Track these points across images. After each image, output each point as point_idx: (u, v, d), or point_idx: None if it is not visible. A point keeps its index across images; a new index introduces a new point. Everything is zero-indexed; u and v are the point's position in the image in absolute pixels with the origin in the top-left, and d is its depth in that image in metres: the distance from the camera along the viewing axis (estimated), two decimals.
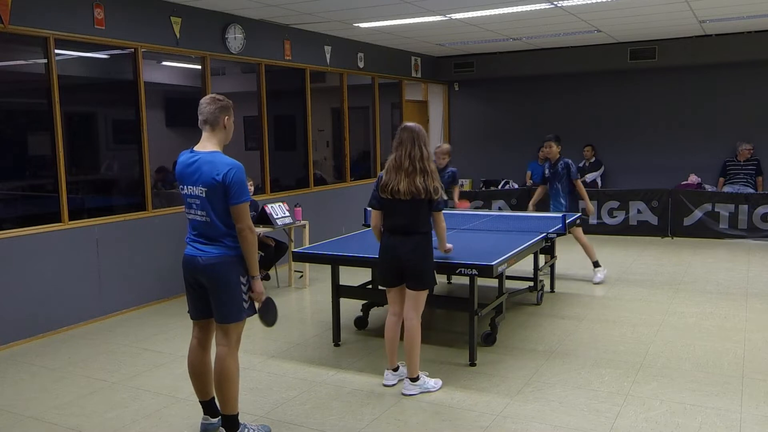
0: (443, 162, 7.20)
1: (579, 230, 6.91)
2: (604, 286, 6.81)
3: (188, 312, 3.55)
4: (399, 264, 4.07)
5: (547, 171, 7.10)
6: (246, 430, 3.51)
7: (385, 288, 4.29)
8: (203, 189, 3.27)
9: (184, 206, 3.46)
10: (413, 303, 4.12)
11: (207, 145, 3.37)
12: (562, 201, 6.94)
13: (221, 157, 3.31)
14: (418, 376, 4.14)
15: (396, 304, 4.24)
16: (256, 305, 3.48)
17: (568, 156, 7.08)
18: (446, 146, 7.40)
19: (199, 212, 3.32)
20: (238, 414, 3.47)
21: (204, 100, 3.39)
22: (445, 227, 4.23)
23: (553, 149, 6.95)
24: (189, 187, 3.34)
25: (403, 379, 4.22)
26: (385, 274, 4.19)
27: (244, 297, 3.38)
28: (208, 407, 3.57)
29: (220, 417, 3.53)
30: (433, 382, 4.18)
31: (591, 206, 6.95)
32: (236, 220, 3.27)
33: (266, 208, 6.72)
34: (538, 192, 7.43)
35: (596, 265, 6.99)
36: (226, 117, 3.40)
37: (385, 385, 4.25)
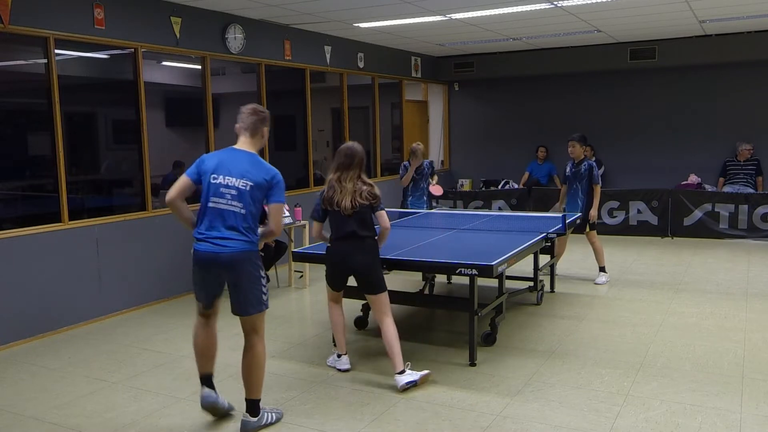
0: (419, 159, 7.28)
1: (594, 234, 6.91)
2: (604, 286, 6.81)
3: (198, 299, 3.70)
4: (348, 271, 4.37)
5: (568, 170, 7.03)
6: (265, 414, 3.70)
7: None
8: (249, 183, 3.49)
9: (209, 197, 3.50)
10: (378, 305, 4.34)
11: (247, 147, 3.64)
12: (579, 202, 6.91)
13: (262, 160, 3.64)
14: (403, 369, 4.22)
15: (340, 296, 4.65)
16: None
17: (567, 157, 7.07)
18: (421, 146, 7.43)
19: (233, 203, 3.49)
20: (259, 399, 3.68)
21: (248, 110, 3.66)
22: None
23: (577, 149, 6.90)
24: (228, 177, 3.50)
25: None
26: (334, 278, 4.51)
27: (263, 290, 3.60)
28: (207, 380, 3.76)
29: (215, 391, 3.76)
30: (417, 375, 4.22)
31: (596, 213, 6.91)
32: (272, 217, 3.58)
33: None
34: (563, 192, 7.20)
35: (602, 270, 7.01)
36: (265, 128, 3.70)
37: (339, 369, 4.53)
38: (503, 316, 5.22)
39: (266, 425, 3.68)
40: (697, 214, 9.37)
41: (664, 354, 4.74)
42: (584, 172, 6.88)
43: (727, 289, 6.55)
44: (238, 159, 3.55)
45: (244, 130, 3.64)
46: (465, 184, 12.19)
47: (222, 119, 7.59)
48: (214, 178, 3.50)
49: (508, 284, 5.72)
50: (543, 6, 7.30)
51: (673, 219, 9.51)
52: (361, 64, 9.74)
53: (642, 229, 9.67)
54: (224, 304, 3.71)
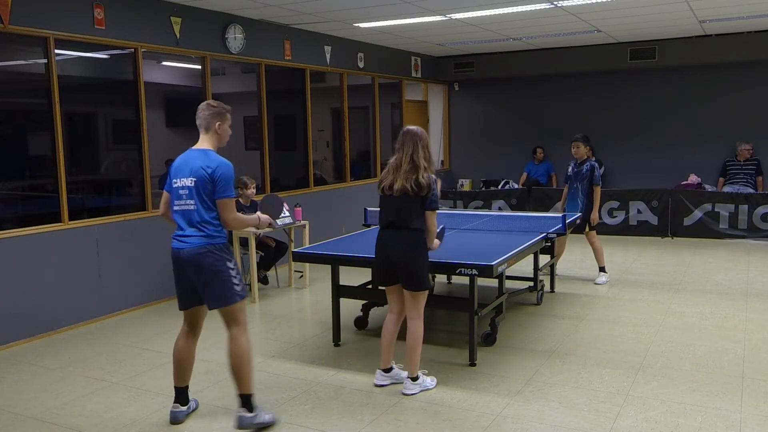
0: None
1: (594, 234, 6.91)
2: (604, 286, 6.81)
3: (178, 305, 3.80)
4: (389, 262, 4.09)
5: (570, 170, 7.03)
6: (261, 413, 3.67)
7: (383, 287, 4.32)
8: (193, 179, 3.53)
9: (173, 201, 3.64)
10: (411, 303, 4.10)
11: (202, 144, 3.66)
12: (579, 202, 6.91)
13: (212, 154, 3.60)
14: (417, 375, 4.14)
15: (394, 303, 4.24)
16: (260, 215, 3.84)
17: (570, 156, 7.07)
18: None
19: (188, 201, 3.57)
20: (252, 395, 3.65)
21: (201, 106, 3.67)
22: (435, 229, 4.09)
23: (581, 149, 6.90)
24: (181, 179, 3.59)
25: (400, 382, 4.23)
26: (378, 271, 4.26)
27: (234, 281, 3.60)
28: (181, 395, 3.84)
29: (188, 405, 3.86)
30: (429, 380, 4.22)
31: (597, 216, 6.90)
32: (220, 212, 3.55)
33: None
34: (565, 193, 7.20)
35: (602, 270, 7.01)
36: (218, 123, 3.65)
37: (376, 385, 4.25)
38: (503, 316, 5.22)
39: (261, 424, 3.66)
40: (697, 214, 9.37)
41: (664, 354, 4.74)
42: (586, 172, 6.88)
43: (727, 289, 6.54)
44: (189, 159, 3.62)
45: (199, 126, 3.67)
46: (465, 184, 12.19)
47: None
48: (174, 183, 3.64)
49: (508, 284, 5.73)
50: (543, 6, 7.30)
51: (673, 219, 9.51)
52: (361, 64, 9.73)
53: (642, 229, 9.67)
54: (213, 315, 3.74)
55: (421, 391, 4.13)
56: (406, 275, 4.03)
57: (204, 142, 3.64)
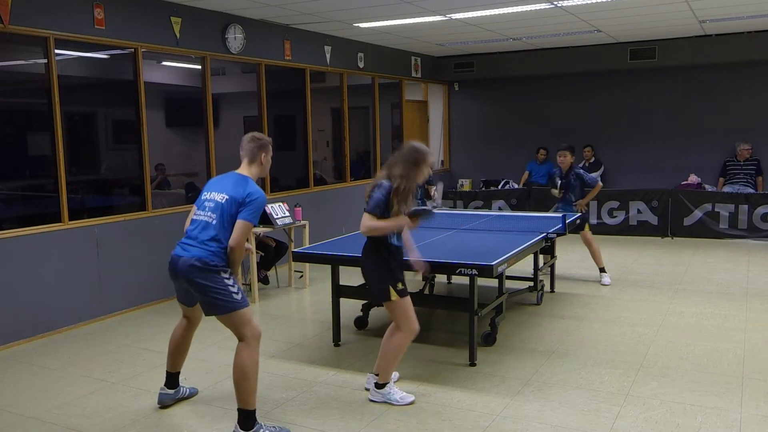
0: None
1: (589, 234, 6.91)
2: (604, 286, 6.81)
3: (176, 297, 3.90)
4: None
5: (558, 181, 7.06)
6: (262, 430, 3.54)
7: None
8: (225, 196, 3.62)
9: (196, 211, 3.73)
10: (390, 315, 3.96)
11: (243, 171, 3.79)
12: (574, 210, 6.94)
13: (252, 182, 3.73)
14: (386, 383, 3.99)
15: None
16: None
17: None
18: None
19: (209, 213, 3.63)
20: (254, 411, 3.55)
21: (246, 138, 3.82)
22: (369, 227, 3.87)
23: (568, 159, 6.93)
24: (212, 193, 3.69)
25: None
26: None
27: (231, 290, 3.57)
28: (170, 379, 4.01)
29: (176, 390, 4.02)
30: (399, 396, 3.97)
31: (583, 205, 6.94)
32: (236, 231, 3.56)
33: (266, 208, 6.71)
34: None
35: (603, 270, 7.01)
36: (263, 154, 3.80)
37: (366, 389, 4.18)
38: (503, 316, 5.22)
39: None
40: (697, 214, 9.37)
41: (664, 354, 4.74)
42: (574, 182, 6.92)
43: (727, 289, 6.55)
44: (226, 178, 3.75)
45: (244, 156, 3.80)
46: (465, 184, 12.19)
47: (222, 119, 7.60)
48: (204, 196, 3.75)
49: (508, 284, 5.73)
50: (543, 6, 7.30)
51: (673, 219, 9.51)
52: (361, 64, 9.73)
53: (642, 229, 9.67)
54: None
55: (384, 401, 3.96)
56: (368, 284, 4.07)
57: (244, 170, 3.77)
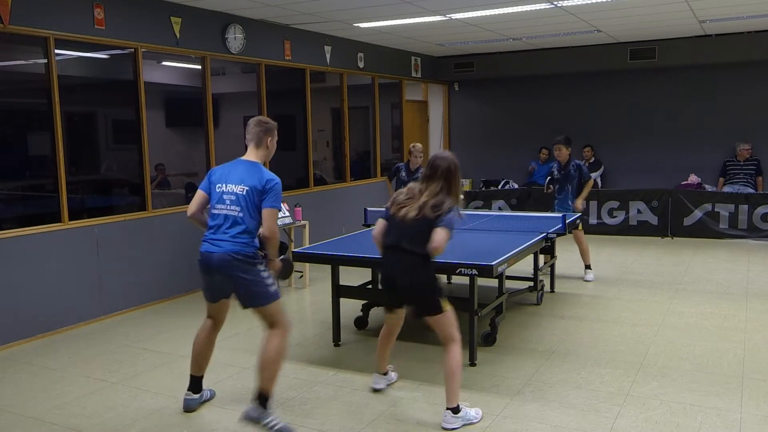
0: (418, 161, 7.34)
1: (582, 233, 6.92)
2: (604, 286, 6.80)
3: (205, 298, 3.90)
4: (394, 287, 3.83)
5: (556, 173, 7.05)
6: (272, 416, 3.62)
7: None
8: (244, 188, 3.67)
9: (213, 204, 3.77)
10: (438, 329, 3.79)
11: (251, 157, 3.82)
12: (570, 204, 6.94)
13: (263, 167, 3.78)
14: (458, 406, 3.69)
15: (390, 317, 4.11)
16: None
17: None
18: (419, 146, 7.49)
19: (232, 207, 3.69)
20: (269, 397, 3.65)
21: (252, 122, 3.84)
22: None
23: (563, 152, 6.93)
24: (228, 185, 3.72)
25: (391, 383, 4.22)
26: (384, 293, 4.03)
27: (267, 282, 3.68)
28: (195, 383, 3.98)
29: (200, 394, 4.00)
30: (474, 412, 3.75)
31: (580, 205, 6.96)
32: (266, 220, 3.65)
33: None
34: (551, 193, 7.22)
35: (588, 267, 7.08)
36: (269, 138, 3.85)
37: (374, 389, 4.19)
38: (503, 316, 5.22)
39: (269, 425, 3.58)
40: (697, 214, 9.37)
41: (664, 354, 4.74)
42: (574, 173, 6.91)
43: (727, 289, 6.54)
44: (238, 168, 3.77)
45: (250, 141, 3.83)
46: (465, 184, 12.18)
47: (222, 119, 7.60)
48: (219, 188, 3.76)
49: (508, 284, 5.72)
50: (543, 6, 7.30)
51: (673, 219, 9.51)
52: (361, 64, 9.73)
53: (642, 229, 9.66)
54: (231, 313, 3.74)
55: (464, 425, 3.68)
56: (417, 306, 3.81)
57: (252, 155, 3.81)
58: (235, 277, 3.62)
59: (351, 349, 5.03)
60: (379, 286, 4.10)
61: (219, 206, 3.72)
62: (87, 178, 6.48)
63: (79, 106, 6.29)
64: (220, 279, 3.68)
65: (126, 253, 6.23)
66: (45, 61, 5.57)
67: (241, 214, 3.65)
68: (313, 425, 3.74)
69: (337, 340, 5.14)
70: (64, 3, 5.64)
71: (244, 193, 3.66)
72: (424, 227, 3.63)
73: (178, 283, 6.71)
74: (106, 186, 6.73)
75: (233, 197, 3.68)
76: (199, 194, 3.83)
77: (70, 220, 5.77)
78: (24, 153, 5.96)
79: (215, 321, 3.97)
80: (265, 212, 3.64)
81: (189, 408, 3.96)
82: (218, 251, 3.62)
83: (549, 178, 7.12)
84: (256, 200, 3.65)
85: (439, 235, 3.59)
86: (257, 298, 3.66)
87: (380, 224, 3.89)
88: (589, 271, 7.06)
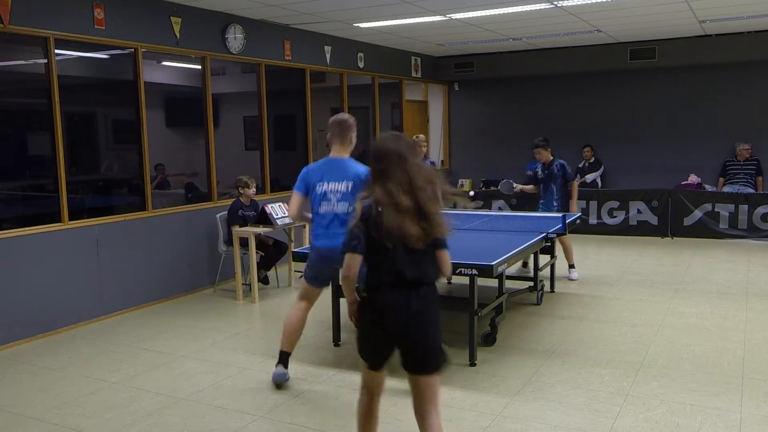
0: (421, 153, 7.35)
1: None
2: (604, 286, 6.80)
3: (312, 285, 4.32)
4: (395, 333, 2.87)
5: (540, 172, 7.06)
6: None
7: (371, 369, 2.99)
8: (349, 184, 4.01)
9: (316, 203, 4.11)
10: (430, 395, 2.92)
11: (342, 154, 4.16)
12: (555, 203, 6.94)
13: (357, 162, 4.10)
14: None
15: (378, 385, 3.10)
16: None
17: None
18: (422, 136, 7.53)
19: (340, 203, 4.02)
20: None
21: (334, 122, 4.20)
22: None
23: (543, 154, 6.96)
24: (332, 183, 4.06)
25: None
26: (375, 347, 2.93)
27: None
28: (285, 358, 4.30)
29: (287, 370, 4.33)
30: None
31: (575, 207, 6.97)
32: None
33: (266, 208, 6.72)
34: (529, 190, 7.30)
35: (572, 266, 7.09)
36: (352, 135, 4.17)
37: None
38: (503, 316, 5.22)
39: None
40: (697, 214, 9.37)
41: (664, 354, 4.74)
42: (557, 172, 6.92)
43: (727, 289, 6.54)
44: (336, 166, 4.11)
45: (336, 138, 4.15)
46: (465, 184, 12.18)
47: (222, 119, 7.60)
48: (320, 187, 4.10)
49: (508, 284, 5.72)
50: (543, 6, 7.30)
51: (673, 219, 9.51)
52: (361, 64, 9.73)
53: (642, 229, 9.66)
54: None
55: None
56: (419, 355, 2.97)
57: (340, 152, 4.14)
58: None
59: (351, 349, 5.03)
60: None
61: (326, 205, 4.04)
62: (87, 178, 6.48)
63: (79, 106, 6.29)
64: (336, 269, 3.94)
65: (126, 253, 6.23)
66: (45, 61, 5.57)
67: (350, 208, 3.87)
68: (314, 425, 3.74)
69: (337, 340, 5.14)
70: (64, 3, 5.64)
71: (349, 189, 3.97)
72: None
73: (178, 283, 6.71)
74: (106, 186, 6.73)
75: (339, 195, 4.00)
76: (298, 197, 4.16)
77: (70, 220, 5.77)
78: (24, 153, 5.96)
79: (310, 303, 4.33)
80: None
81: (279, 383, 4.23)
82: (339, 244, 3.78)
83: (533, 177, 7.12)
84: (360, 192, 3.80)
85: None
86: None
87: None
88: (573, 270, 7.06)
